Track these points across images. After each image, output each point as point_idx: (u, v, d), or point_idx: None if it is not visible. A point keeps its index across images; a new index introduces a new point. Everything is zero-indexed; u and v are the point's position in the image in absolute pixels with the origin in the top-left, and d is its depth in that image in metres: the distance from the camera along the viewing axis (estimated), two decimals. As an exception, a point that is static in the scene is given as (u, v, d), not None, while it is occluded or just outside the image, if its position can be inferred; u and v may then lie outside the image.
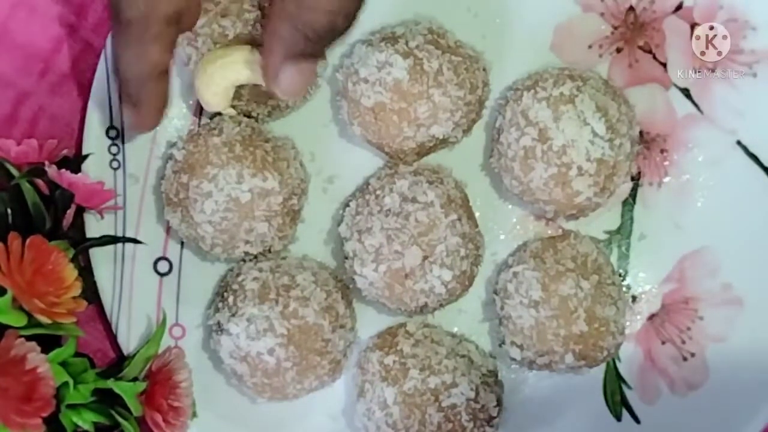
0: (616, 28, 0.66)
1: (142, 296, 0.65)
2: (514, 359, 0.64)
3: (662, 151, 0.67)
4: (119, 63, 0.54)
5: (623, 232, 0.67)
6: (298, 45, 0.52)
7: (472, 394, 0.61)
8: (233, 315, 0.62)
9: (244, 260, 0.64)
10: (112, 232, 0.64)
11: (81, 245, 0.61)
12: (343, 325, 0.63)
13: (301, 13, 0.50)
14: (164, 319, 0.64)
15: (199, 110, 0.66)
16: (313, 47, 0.52)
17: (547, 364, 0.62)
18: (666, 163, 0.67)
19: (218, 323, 0.63)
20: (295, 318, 0.61)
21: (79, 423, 0.57)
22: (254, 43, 0.59)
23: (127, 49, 0.53)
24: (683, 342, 0.66)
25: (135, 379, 0.61)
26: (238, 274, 0.63)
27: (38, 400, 0.52)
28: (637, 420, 0.66)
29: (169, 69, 0.55)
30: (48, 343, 0.55)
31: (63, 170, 0.58)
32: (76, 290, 0.57)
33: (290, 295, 0.61)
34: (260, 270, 0.63)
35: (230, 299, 0.62)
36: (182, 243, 0.66)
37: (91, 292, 0.62)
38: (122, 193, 0.65)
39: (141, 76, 0.54)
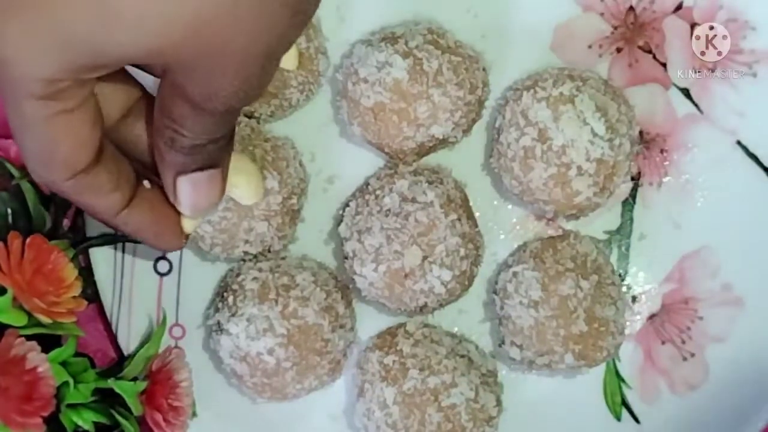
0: (616, 28, 0.66)
1: (142, 296, 0.65)
2: (513, 359, 0.63)
3: (662, 151, 0.67)
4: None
5: (623, 232, 0.67)
6: (178, 160, 0.46)
7: (472, 394, 0.61)
8: (233, 315, 0.62)
9: (243, 260, 0.64)
10: (112, 232, 0.64)
11: (81, 245, 0.61)
12: (343, 325, 0.63)
13: (168, 127, 0.44)
14: (164, 319, 0.64)
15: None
16: (194, 159, 0.46)
17: (547, 364, 0.62)
18: (666, 163, 0.67)
19: (218, 323, 0.63)
20: (294, 318, 0.61)
21: (80, 422, 0.57)
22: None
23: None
24: (683, 342, 0.66)
25: (135, 379, 0.61)
26: (237, 274, 0.63)
27: (38, 399, 0.52)
28: (637, 420, 0.66)
29: None
30: (48, 342, 0.55)
31: (63, 170, 0.58)
32: (76, 290, 0.57)
33: (290, 295, 0.61)
34: (260, 270, 0.63)
35: (230, 299, 0.62)
36: (182, 243, 0.66)
37: (91, 292, 0.63)
38: (122, 193, 0.65)
39: None
